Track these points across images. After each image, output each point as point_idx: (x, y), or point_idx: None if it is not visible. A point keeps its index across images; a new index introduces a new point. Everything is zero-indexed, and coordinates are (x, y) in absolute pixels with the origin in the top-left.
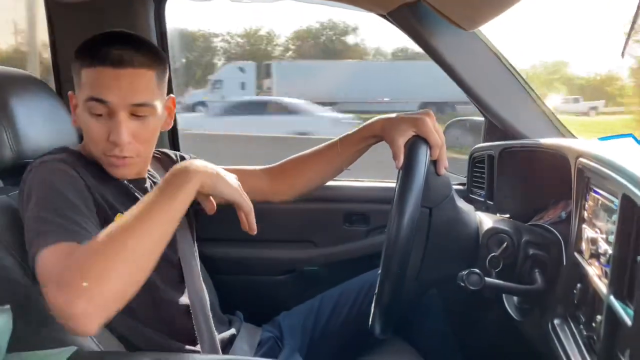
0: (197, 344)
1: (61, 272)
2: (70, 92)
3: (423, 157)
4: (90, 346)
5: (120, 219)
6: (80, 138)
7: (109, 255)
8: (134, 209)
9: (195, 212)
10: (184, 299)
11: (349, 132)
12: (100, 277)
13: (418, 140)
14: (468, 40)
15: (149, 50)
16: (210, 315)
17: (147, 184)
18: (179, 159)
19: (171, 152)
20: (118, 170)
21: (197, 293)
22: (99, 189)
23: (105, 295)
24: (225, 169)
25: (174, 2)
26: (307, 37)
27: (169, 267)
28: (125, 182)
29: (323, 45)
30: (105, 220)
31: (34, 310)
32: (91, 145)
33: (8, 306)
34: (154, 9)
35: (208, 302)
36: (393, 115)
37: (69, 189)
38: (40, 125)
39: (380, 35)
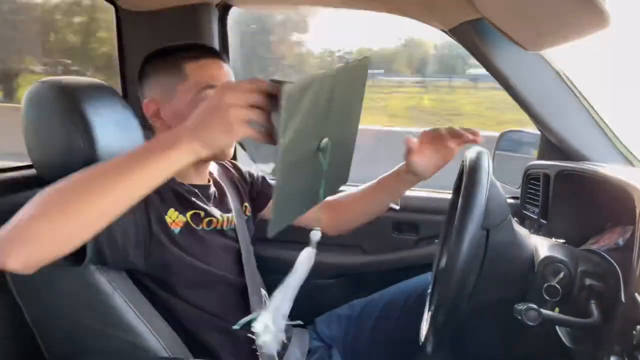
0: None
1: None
2: (149, 99)
3: (485, 177)
4: (157, 349)
5: (86, 170)
6: None
7: (47, 217)
8: (102, 165)
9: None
10: (241, 290)
11: (390, 172)
12: (36, 240)
13: (481, 156)
14: (530, 58)
15: None
16: (264, 298)
17: (212, 190)
18: (247, 175)
19: (241, 165)
20: (230, 151)
21: (253, 275)
22: (162, 191)
23: (38, 254)
24: None
25: (237, 12)
26: None
27: (221, 266)
28: (190, 186)
29: None
30: (155, 219)
31: (113, 315)
32: None
33: None
34: (218, 17)
35: (262, 285)
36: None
37: None
38: (111, 131)
39: None
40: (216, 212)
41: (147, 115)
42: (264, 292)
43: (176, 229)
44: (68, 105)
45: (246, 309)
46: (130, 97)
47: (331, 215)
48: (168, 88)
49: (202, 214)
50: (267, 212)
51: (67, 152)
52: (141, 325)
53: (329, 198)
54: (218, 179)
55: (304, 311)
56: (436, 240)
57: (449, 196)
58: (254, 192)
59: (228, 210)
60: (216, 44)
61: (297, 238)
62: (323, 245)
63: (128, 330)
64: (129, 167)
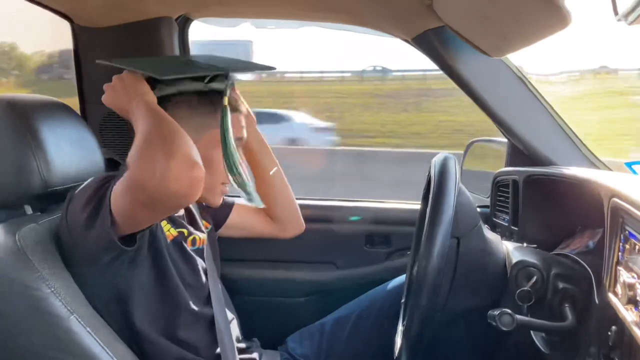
0: None
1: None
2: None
3: (453, 184)
4: None
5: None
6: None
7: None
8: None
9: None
10: (209, 316)
11: None
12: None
13: (448, 162)
14: (493, 65)
15: None
16: (232, 334)
17: (181, 212)
18: None
19: None
20: (221, 198)
21: (221, 313)
22: None
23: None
24: None
25: (198, 26)
26: None
27: (197, 288)
28: None
29: None
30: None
31: (69, 341)
32: (214, 176)
33: None
34: (178, 32)
35: (230, 323)
36: None
37: None
38: (68, 152)
39: None
40: (193, 229)
41: None
42: (232, 316)
43: (169, 239)
44: (19, 123)
45: (213, 337)
46: (89, 117)
47: (269, 214)
48: (200, 128)
49: (186, 232)
50: (225, 230)
51: (19, 174)
52: (101, 351)
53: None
54: None
55: (275, 332)
56: (408, 252)
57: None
58: (212, 210)
59: (199, 229)
60: None
61: (264, 257)
62: (294, 263)
63: (86, 356)
64: None
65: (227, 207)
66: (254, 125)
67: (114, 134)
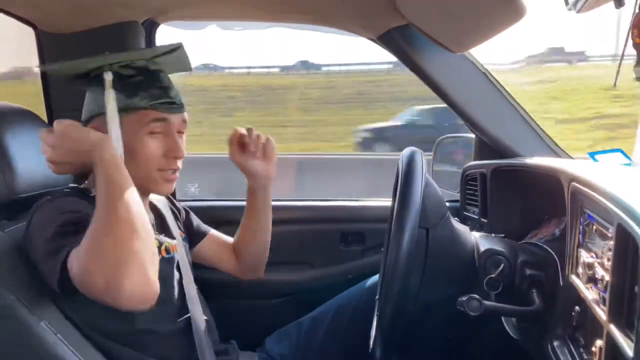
0: None
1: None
2: (95, 124)
3: (419, 175)
4: None
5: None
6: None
7: (104, 251)
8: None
9: (190, 239)
10: (185, 326)
11: None
12: (116, 267)
13: (415, 155)
14: (457, 60)
15: None
16: (211, 341)
17: (150, 216)
18: (180, 207)
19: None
20: (169, 185)
21: (199, 319)
22: None
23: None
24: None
25: (165, 31)
26: None
27: (170, 302)
28: None
29: None
30: None
31: (39, 348)
32: (143, 165)
33: None
34: (145, 37)
35: (207, 327)
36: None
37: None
38: (34, 159)
39: None
40: (164, 238)
41: None
42: (208, 319)
43: None
44: None
45: (190, 343)
46: None
47: (235, 255)
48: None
49: (157, 243)
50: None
51: None
52: (73, 357)
53: (230, 240)
54: (154, 203)
55: (254, 334)
56: (382, 249)
57: None
58: (191, 227)
59: (170, 235)
60: None
61: None
62: (269, 264)
63: None
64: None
65: (201, 234)
66: (270, 181)
67: None
